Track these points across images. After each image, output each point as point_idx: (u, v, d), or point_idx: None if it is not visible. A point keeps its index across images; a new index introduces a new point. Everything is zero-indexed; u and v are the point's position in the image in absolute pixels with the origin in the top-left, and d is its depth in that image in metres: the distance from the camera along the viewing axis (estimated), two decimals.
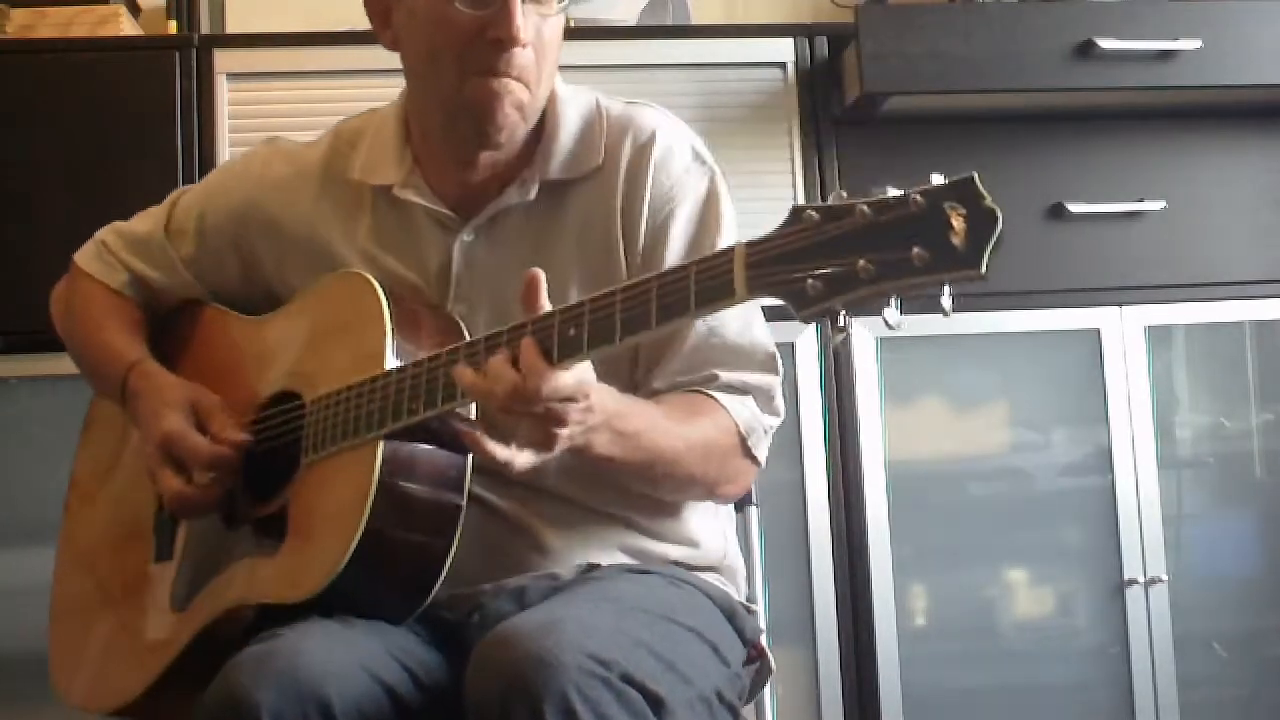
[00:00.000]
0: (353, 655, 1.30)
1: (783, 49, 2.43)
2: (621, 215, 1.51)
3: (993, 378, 2.52)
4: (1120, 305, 2.48)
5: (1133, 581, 2.43)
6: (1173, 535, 2.47)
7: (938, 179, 1.06)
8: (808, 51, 2.43)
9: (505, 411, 1.27)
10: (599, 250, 1.51)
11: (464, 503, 1.39)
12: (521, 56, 1.44)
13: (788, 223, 1.12)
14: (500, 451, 1.28)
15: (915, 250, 1.04)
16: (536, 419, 1.26)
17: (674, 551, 1.54)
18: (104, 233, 1.73)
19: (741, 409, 1.48)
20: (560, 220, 1.52)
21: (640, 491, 1.49)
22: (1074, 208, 2.46)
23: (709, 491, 1.52)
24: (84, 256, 1.72)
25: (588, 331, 1.23)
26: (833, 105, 2.42)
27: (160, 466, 1.49)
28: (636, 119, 1.55)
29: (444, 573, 1.39)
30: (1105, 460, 2.46)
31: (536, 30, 1.45)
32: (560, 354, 1.24)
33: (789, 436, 2.34)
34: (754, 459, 1.50)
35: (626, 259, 1.51)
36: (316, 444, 1.43)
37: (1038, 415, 2.52)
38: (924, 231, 1.04)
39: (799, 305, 1.10)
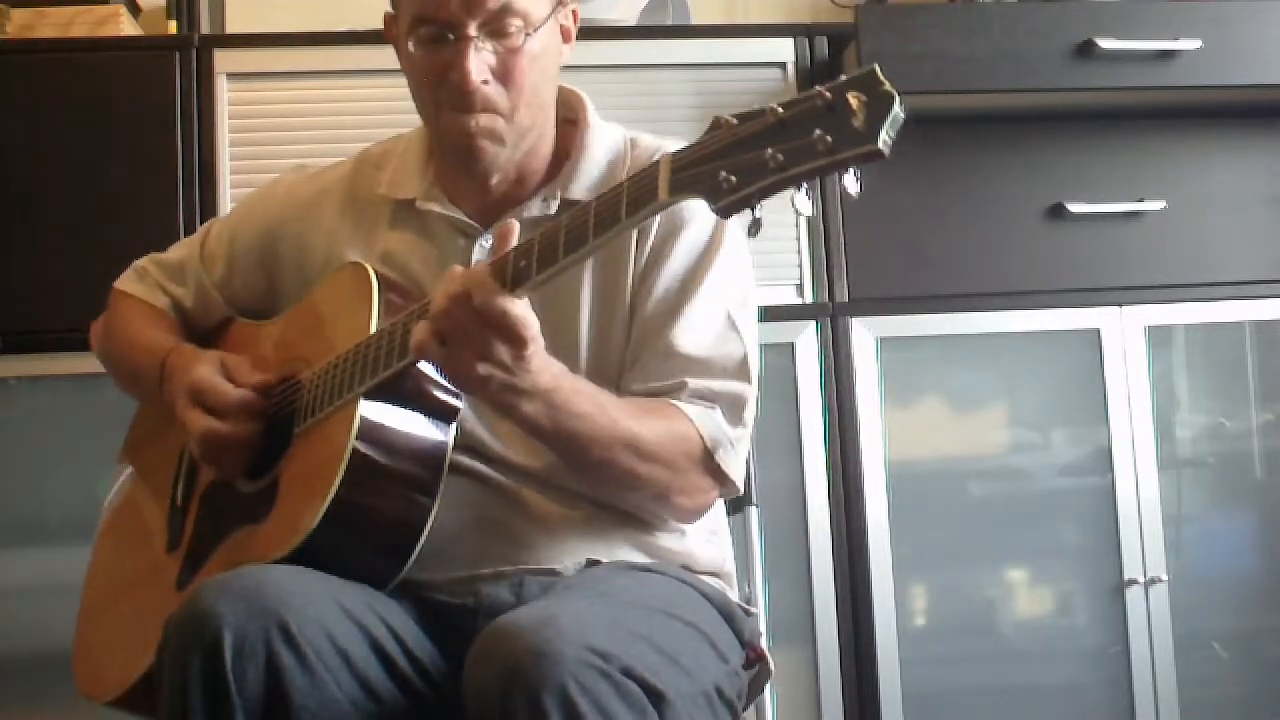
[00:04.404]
0: (326, 589, 1.33)
1: (783, 49, 2.44)
2: (636, 233, 1.52)
3: (993, 378, 2.52)
4: (1120, 305, 2.48)
5: (1133, 581, 2.43)
6: (1173, 535, 2.46)
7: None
8: (808, 51, 2.44)
9: (441, 320, 1.28)
10: (611, 266, 1.53)
11: (449, 450, 1.43)
12: (485, 90, 1.47)
13: (709, 130, 1.17)
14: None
15: (817, 133, 1.09)
16: (464, 339, 1.28)
17: (674, 543, 1.54)
18: (143, 261, 1.78)
19: (706, 420, 1.48)
20: None
21: (586, 482, 1.48)
22: (1074, 208, 2.46)
23: (659, 499, 1.49)
24: (124, 281, 1.77)
25: (536, 259, 1.27)
26: None
27: (189, 409, 1.53)
28: (664, 146, 1.57)
29: (428, 526, 1.41)
30: (1105, 460, 2.46)
31: (501, 63, 1.48)
32: (513, 282, 1.27)
33: (789, 437, 2.34)
34: (721, 475, 1.49)
35: (632, 274, 1.53)
36: (307, 414, 1.48)
37: (1037, 415, 2.52)
38: (828, 119, 1.10)
39: (714, 198, 1.15)
